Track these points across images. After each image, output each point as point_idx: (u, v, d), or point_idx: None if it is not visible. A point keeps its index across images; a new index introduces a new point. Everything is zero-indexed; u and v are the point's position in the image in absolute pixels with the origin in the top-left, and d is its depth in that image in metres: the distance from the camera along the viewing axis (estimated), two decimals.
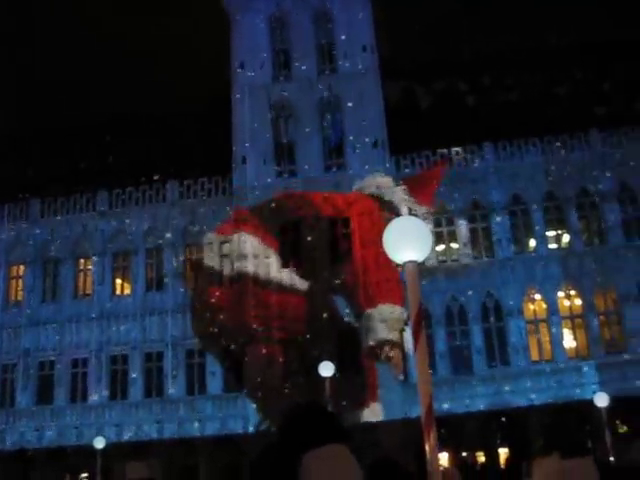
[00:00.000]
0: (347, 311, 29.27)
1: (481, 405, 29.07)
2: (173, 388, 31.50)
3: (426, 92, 37.13)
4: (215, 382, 31.16)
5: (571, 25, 50.79)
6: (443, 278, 30.62)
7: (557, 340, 30.03)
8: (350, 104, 32.35)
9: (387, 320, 27.17)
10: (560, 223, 31.72)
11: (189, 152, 35.65)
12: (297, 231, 30.22)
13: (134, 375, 32.04)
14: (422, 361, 4.53)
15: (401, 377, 28.50)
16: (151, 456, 26.80)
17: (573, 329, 30.75)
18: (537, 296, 30.92)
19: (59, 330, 32.96)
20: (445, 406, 27.14)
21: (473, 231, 31.84)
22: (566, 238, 31.70)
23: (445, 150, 31.98)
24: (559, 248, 31.56)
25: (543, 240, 31.21)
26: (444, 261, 31.44)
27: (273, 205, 30.51)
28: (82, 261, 34.63)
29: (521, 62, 37.30)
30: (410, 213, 25.60)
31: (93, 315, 32.81)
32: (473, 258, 31.48)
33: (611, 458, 18.28)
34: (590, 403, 24.33)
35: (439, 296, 30.47)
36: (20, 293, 34.58)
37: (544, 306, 30.72)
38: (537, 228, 31.26)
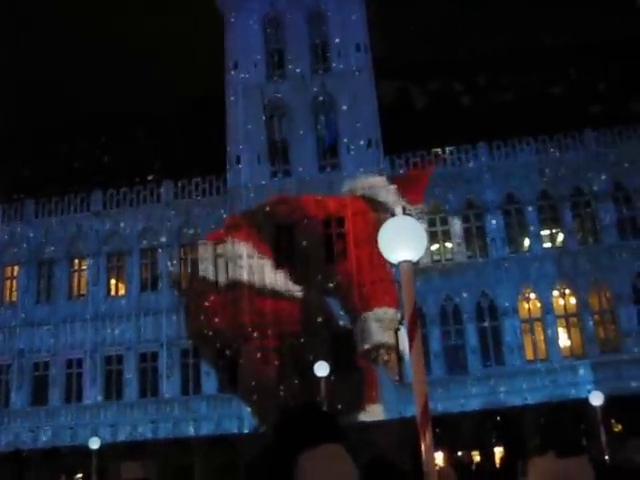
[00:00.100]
0: (341, 313, 29.33)
1: (476, 404, 29.07)
2: (168, 388, 31.46)
3: (420, 92, 37.14)
4: (210, 382, 31.12)
5: (566, 25, 50.96)
6: (438, 278, 30.63)
7: (552, 339, 30.04)
8: (344, 104, 32.35)
9: (381, 320, 27.31)
10: (554, 222, 31.74)
11: (183, 152, 35.63)
12: (291, 235, 30.28)
13: (129, 375, 31.97)
14: (417, 361, 4.53)
15: (396, 378, 28.56)
16: (146, 456, 26.76)
17: (568, 328, 30.76)
18: (532, 295, 30.93)
19: (54, 331, 32.86)
20: (440, 406, 27.12)
21: (467, 230, 31.83)
22: (560, 237, 31.75)
23: (439, 150, 32.00)
24: (553, 247, 31.58)
25: (537, 239, 31.22)
26: (438, 261, 31.43)
27: (267, 209, 30.58)
28: (77, 262, 34.53)
29: (516, 62, 37.37)
30: (404, 212, 25.69)
31: (88, 316, 32.70)
32: (468, 257, 31.49)
33: (606, 457, 18.35)
34: (585, 402, 24.44)
35: (434, 296, 30.46)
36: (14, 294, 34.45)
37: (539, 305, 30.73)
38: (531, 227, 31.27)
